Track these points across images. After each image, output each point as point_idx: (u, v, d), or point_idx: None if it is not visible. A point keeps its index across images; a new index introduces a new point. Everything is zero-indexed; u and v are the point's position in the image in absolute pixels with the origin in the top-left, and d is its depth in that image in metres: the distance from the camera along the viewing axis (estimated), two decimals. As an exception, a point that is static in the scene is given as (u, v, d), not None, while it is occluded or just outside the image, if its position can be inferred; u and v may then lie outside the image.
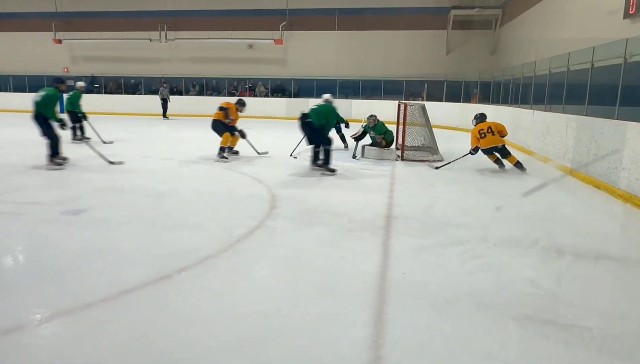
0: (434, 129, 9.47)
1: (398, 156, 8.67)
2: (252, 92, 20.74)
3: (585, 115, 7.05)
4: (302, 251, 3.71)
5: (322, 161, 7.21)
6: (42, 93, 7.21)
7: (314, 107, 7.40)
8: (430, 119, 9.35)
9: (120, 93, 21.75)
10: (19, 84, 22.05)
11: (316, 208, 5.01)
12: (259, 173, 6.90)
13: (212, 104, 21.34)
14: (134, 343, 2.36)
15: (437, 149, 8.97)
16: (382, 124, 9.15)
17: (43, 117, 7.04)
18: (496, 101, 13.68)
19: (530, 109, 9.95)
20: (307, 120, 7.07)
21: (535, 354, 2.35)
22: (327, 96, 8.12)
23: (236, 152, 8.68)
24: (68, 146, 8.22)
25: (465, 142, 12.10)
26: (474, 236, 4.16)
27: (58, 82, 7.55)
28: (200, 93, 21.20)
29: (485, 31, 18.36)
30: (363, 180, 6.78)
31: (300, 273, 3.29)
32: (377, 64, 19.41)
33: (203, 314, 2.66)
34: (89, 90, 21.96)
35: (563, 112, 8.06)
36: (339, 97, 12.50)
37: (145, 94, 21.54)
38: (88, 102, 21.16)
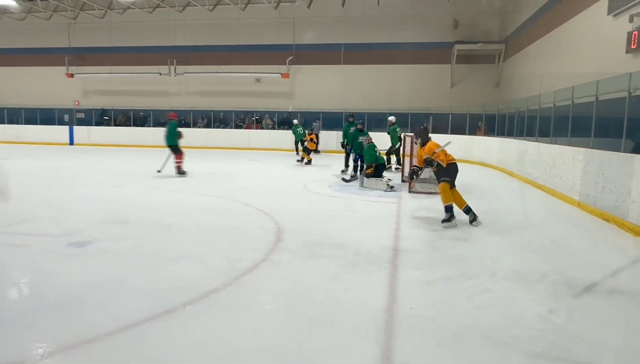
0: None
1: (389, 186, 8.68)
2: (259, 125, 21.01)
3: (592, 147, 7.06)
4: (308, 285, 3.68)
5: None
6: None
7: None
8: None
9: (129, 125, 22.14)
10: (31, 116, 22.57)
11: (322, 241, 4.98)
12: (264, 205, 6.91)
13: (219, 136, 21.64)
14: (136, 379, 2.32)
15: (443, 181, 8.96)
16: (370, 146, 9.27)
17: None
18: (501, 133, 13.75)
19: (536, 141, 9.98)
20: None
21: (547, 393, 2.28)
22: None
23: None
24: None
25: (470, 173, 12.13)
26: (481, 270, 4.11)
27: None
28: (208, 125, 21.53)
29: (488, 65, 18.66)
30: (369, 212, 6.76)
31: (305, 307, 3.25)
32: (382, 96, 19.68)
33: (207, 351, 2.63)
34: (99, 122, 22.48)
35: (569, 145, 8.08)
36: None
37: (153, 126, 21.91)
38: (98, 134, 21.62)
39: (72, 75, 22.60)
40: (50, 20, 22.68)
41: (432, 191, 8.56)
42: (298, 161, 13.95)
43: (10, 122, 22.84)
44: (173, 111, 11.82)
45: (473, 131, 16.71)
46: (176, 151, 10.41)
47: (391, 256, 4.45)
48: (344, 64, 20.29)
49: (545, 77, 12.61)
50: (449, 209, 5.93)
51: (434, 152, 6.07)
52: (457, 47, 18.26)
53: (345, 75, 20.32)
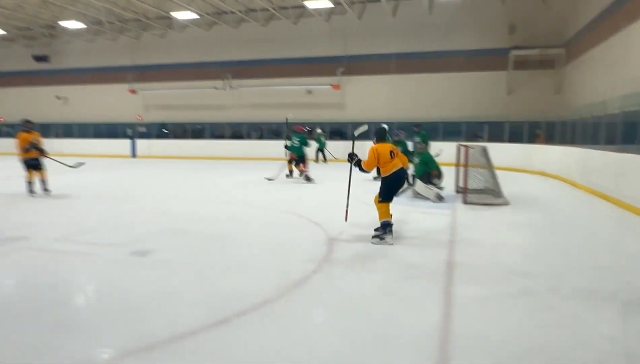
0: (496, 171, 9.18)
1: (439, 196, 8.48)
2: (311, 136, 21.22)
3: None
4: (360, 299, 3.64)
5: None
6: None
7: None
8: (492, 160, 9.10)
9: (187, 138, 23.15)
10: (98, 131, 24.17)
11: (374, 253, 4.93)
12: (316, 216, 6.95)
13: (271, 147, 22.03)
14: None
15: (501, 191, 8.66)
16: (424, 155, 9.06)
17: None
18: (563, 142, 13.10)
19: (602, 149, 9.42)
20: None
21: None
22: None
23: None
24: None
25: (530, 183, 11.62)
26: (543, 286, 3.91)
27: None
28: (260, 137, 22.08)
29: (548, 70, 17.87)
30: (423, 224, 6.63)
31: (358, 321, 3.22)
32: (434, 105, 19.34)
33: (260, 362, 2.66)
34: (159, 135, 23.64)
35: (639, 153, 7.57)
36: (395, 139, 12.72)
37: (209, 138, 22.78)
38: (158, 147, 22.69)
39: (134, 92, 23.96)
40: (116, 41, 24.17)
41: (489, 202, 8.28)
42: (287, 174, 12.39)
43: (81, 136, 24.51)
44: (299, 124, 12.53)
45: (531, 140, 16.04)
46: (304, 160, 11.77)
47: (447, 270, 4.33)
48: (395, 73, 20.16)
49: (609, 82, 11.92)
50: (386, 225, 5.41)
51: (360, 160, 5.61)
52: (514, 52, 17.66)
53: (396, 85, 20.17)
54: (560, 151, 12.82)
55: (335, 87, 20.77)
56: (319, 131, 18.76)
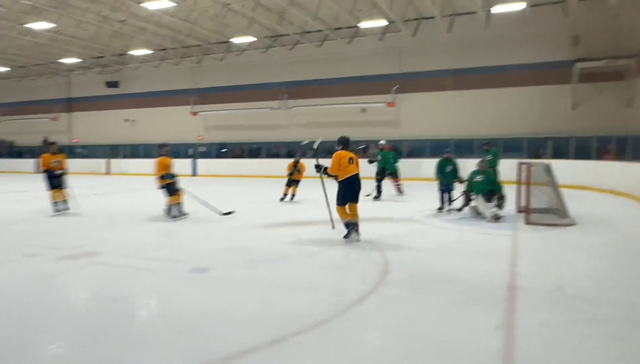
0: (561, 190, 8.74)
1: (497, 214, 8.15)
2: (365, 154, 21.22)
3: None
4: (416, 322, 3.57)
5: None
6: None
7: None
8: (556, 178, 8.67)
9: (244, 157, 23.88)
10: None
11: (431, 275, 4.82)
12: (371, 235, 6.89)
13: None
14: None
15: (567, 211, 8.21)
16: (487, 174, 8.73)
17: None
18: (636, 157, 12.26)
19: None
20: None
21: None
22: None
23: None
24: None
25: (599, 202, 10.93)
26: (616, 314, 3.65)
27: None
28: (315, 155, 22.30)
29: (617, 82, 16.86)
30: (482, 245, 6.41)
31: (414, 346, 3.15)
32: (492, 122, 18.77)
33: (315, 382, 2.66)
34: (218, 155, 24.55)
35: None
36: (455, 156, 12.16)
37: (265, 157, 23.35)
38: (217, 166, 23.54)
39: (195, 113, 25.12)
40: (179, 66, 25.55)
41: (553, 222, 7.88)
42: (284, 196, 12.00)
43: (146, 156, 25.91)
44: (385, 141, 13.03)
45: (600, 156, 15.15)
46: (396, 176, 13.02)
47: (507, 295, 4.15)
48: (451, 90, 19.82)
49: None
50: (347, 225, 6.41)
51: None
52: (579, 65, 16.84)
53: (452, 101, 19.82)
54: (633, 167, 12.00)
55: (390, 104, 20.71)
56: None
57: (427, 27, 19.81)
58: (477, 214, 8.60)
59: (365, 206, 8.96)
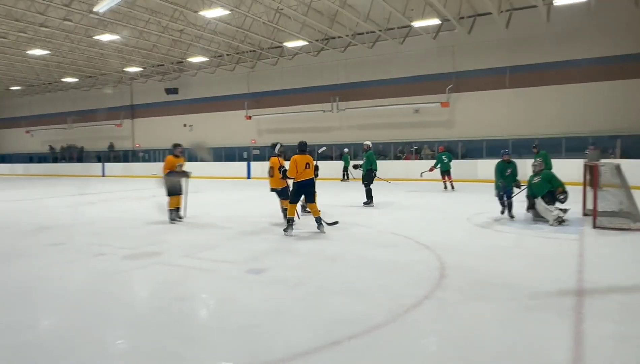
0: (633, 192, 8.16)
1: (560, 217, 7.71)
2: (418, 155, 20.87)
3: None
4: (475, 330, 3.44)
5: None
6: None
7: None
8: (627, 179, 8.10)
9: (296, 160, 24.12)
10: (218, 155, 26.24)
11: (490, 279, 4.65)
12: (425, 238, 6.76)
13: (379, 167, 21.94)
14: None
15: (639, 214, 7.66)
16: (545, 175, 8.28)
17: None
18: None
19: None
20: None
21: None
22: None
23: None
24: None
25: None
26: (700, 328, 3.35)
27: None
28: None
29: (697, 74, 15.58)
30: (545, 249, 6.10)
31: (473, 354, 3.03)
32: (554, 120, 17.89)
33: (372, 387, 2.63)
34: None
35: None
36: (513, 157, 11.55)
37: (318, 160, 23.44)
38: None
39: (249, 117, 25.74)
40: (234, 71, 26.32)
41: (624, 226, 7.38)
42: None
43: (203, 160, 26.73)
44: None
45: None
46: (449, 174, 14.65)
47: (575, 304, 3.92)
48: (509, 87, 19.08)
49: None
50: (288, 221, 7.43)
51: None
52: (651, 57, 15.71)
53: (510, 100, 19.07)
54: None
55: (444, 104, 20.24)
56: (345, 150, 20.95)
57: (482, 24, 19.22)
58: (539, 217, 8.21)
59: (415, 208, 8.81)
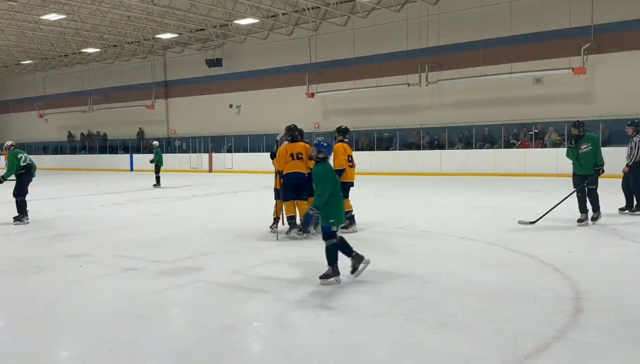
0: None
1: None
2: (540, 141, 20.11)
3: None
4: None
5: None
6: None
7: None
8: None
9: (373, 149, 23.97)
10: (271, 143, 26.65)
11: (649, 316, 4.37)
12: (552, 256, 6.48)
13: (481, 158, 21.40)
14: None
15: None
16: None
17: None
18: None
19: None
20: None
21: None
22: None
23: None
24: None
25: None
26: None
27: None
28: (467, 146, 21.69)
29: None
30: None
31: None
32: None
33: None
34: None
35: None
36: None
37: (400, 149, 23.23)
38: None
39: (312, 95, 25.94)
40: (292, 35, 26.63)
41: None
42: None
43: (252, 149, 27.37)
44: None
45: None
46: None
47: None
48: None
49: None
50: (289, 221, 8.09)
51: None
52: None
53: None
54: None
55: (578, 71, 19.29)
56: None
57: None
58: None
59: (534, 214, 8.50)
